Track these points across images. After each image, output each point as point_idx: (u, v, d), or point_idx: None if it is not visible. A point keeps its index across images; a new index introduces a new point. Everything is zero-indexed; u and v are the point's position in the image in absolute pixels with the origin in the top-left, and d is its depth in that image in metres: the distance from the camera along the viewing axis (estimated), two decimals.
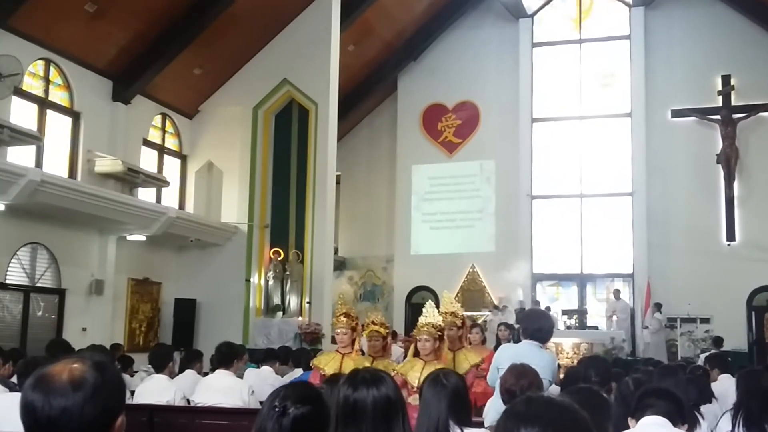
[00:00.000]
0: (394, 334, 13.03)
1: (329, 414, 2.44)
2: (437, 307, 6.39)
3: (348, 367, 5.97)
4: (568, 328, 16.93)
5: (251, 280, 15.93)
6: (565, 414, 1.54)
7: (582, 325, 17.17)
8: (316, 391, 2.50)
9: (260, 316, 15.78)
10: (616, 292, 17.78)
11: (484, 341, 8.12)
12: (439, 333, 6.06)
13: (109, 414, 1.75)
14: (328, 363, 6.34)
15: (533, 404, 1.57)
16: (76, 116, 13.81)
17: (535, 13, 19.84)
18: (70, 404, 1.69)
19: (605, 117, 19.35)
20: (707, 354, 11.09)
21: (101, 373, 1.75)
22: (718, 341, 13.79)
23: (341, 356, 6.38)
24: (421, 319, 6.18)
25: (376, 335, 6.55)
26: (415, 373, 5.80)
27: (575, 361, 12.36)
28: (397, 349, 9.90)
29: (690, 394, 5.71)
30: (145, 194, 15.03)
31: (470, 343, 7.48)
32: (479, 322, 12.71)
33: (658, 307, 16.81)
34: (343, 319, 6.45)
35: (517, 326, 12.03)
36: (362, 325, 6.75)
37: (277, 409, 2.29)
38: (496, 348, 8.15)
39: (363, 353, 6.98)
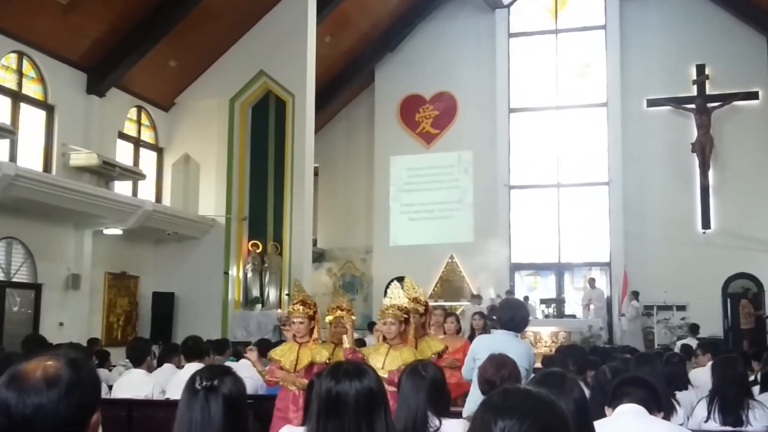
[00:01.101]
0: (372, 325, 13.00)
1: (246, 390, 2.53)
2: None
3: (305, 357, 5.82)
4: (546, 317, 17.04)
5: (230, 272, 15.88)
6: (542, 406, 1.54)
7: (560, 314, 17.26)
8: (227, 367, 2.57)
9: (239, 309, 15.74)
10: (591, 281, 17.90)
11: (459, 331, 7.82)
12: (405, 316, 5.77)
13: (84, 411, 1.74)
14: (284, 354, 5.98)
15: (510, 396, 1.56)
16: (50, 109, 13.67)
17: (512, 3, 19.87)
18: (45, 402, 1.67)
19: (582, 107, 19.45)
20: (700, 341, 11.25)
21: (76, 370, 1.73)
22: (694, 328, 13.93)
23: (298, 346, 5.97)
24: (386, 301, 5.90)
25: (341, 322, 6.24)
26: (379, 356, 5.64)
27: (554, 350, 12.44)
28: (372, 339, 9.83)
29: (672, 378, 5.80)
30: (122, 188, 14.92)
31: (445, 333, 7.35)
32: (457, 311, 12.72)
33: (635, 295, 16.96)
34: (299, 307, 5.98)
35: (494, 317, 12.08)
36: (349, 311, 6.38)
37: (205, 384, 2.31)
38: (470, 338, 8.14)
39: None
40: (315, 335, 5.99)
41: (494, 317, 9.28)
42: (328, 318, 6.29)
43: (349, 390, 2.45)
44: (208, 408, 2.29)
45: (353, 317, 6.30)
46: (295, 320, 5.97)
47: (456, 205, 19.62)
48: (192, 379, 2.41)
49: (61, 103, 13.76)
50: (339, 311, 6.26)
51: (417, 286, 6.21)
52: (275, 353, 6.09)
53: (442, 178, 19.79)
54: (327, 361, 5.69)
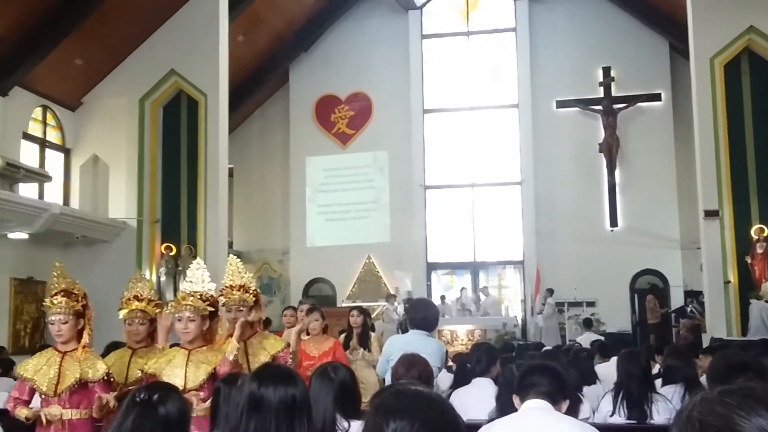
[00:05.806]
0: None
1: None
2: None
3: (71, 372, 4.18)
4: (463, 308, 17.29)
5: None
6: (433, 406, 1.55)
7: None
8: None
9: None
10: (485, 290, 18.14)
11: (325, 329, 6.85)
12: (211, 308, 4.43)
13: None
14: (39, 369, 4.23)
15: (401, 397, 1.57)
16: None
17: (424, 5, 20.06)
18: None
19: (494, 108, 19.78)
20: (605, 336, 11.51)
21: None
22: (587, 323, 14.01)
23: (60, 356, 4.25)
24: (185, 286, 4.50)
25: (139, 317, 4.77)
26: (175, 368, 4.23)
27: (469, 348, 12.60)
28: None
29: (582, 372, 5.95)
30: (27, 190, 14.40)
31: (308, 334, 6.67)
32: (333, 308, 12.36)
33: (550, 292, 17.20)
34: (61, 299, 4.22)
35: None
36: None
37: (143, 397, 2.28)
38: (347, 336, 7.53)
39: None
40: (85, 340, 4.30)
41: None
42: (123, 313, 4.79)
43: (273, 396, 2.43)
44: (141, 423, 2.23)
45: (156, 310, 4.92)
46: (53, 319, 4.24)
47: (372, 206, 19.69)
48: (136, 390, 2.38)
49: None
50: (137, 302, 4.82)
51: (243, 268, 4.79)
52: (26, 369, 4.29)
53: (358, 178, 19.83)
54: (106, 377, 4.25)
